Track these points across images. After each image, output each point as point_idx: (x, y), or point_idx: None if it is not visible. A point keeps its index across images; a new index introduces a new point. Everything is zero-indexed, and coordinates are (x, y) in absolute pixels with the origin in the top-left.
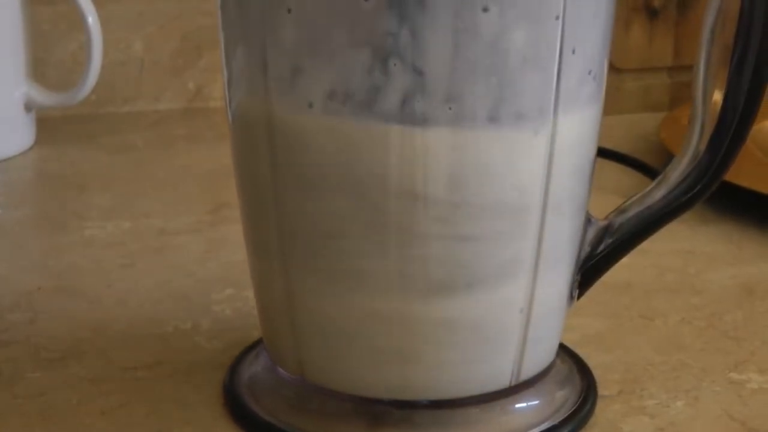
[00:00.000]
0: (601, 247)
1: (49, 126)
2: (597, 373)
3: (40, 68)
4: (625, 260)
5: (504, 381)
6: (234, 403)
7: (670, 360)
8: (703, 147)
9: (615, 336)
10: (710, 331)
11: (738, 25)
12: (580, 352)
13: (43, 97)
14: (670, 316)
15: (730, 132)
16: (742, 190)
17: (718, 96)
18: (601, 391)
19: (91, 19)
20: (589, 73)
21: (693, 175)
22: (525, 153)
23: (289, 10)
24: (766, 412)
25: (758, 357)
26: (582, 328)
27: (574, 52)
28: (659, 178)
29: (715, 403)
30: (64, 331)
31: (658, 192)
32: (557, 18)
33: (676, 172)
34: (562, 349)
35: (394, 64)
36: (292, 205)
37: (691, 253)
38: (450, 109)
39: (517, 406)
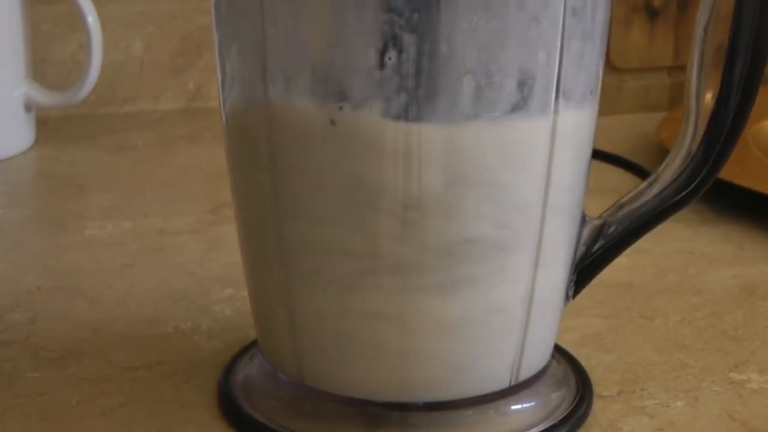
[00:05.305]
0: (596, 247)
1: (49, 126)
2: (597, 373)
3: (40, 68)
4: (625, 260)
5: (504, 381)
6: (229, 406)
7: (670, 360)
8: (696, 145)
9: (615, 336)
10: (710, 331)
11: (731, 24)
12: (580, 352)
13: (43, 97)
14: (671, 316)
15: (723, 130)
16: (742, 190)
17: (711, 95)
18: (601, 391)
19: (91, 19)
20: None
21: (686, 174)
22: (525, 149)
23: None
24: (766, 412)
25: (758, 357)
26: (582, 328)
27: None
28: (653, 176)
29: (715, 403)
30: (64, 331)
31: (651, 190)
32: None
33: (669, 171)
34: (557, 349)
35: (394, 63)
36: (292, 207)
37: (692, 253)
38: (448, 107)
39: (514, 407)
